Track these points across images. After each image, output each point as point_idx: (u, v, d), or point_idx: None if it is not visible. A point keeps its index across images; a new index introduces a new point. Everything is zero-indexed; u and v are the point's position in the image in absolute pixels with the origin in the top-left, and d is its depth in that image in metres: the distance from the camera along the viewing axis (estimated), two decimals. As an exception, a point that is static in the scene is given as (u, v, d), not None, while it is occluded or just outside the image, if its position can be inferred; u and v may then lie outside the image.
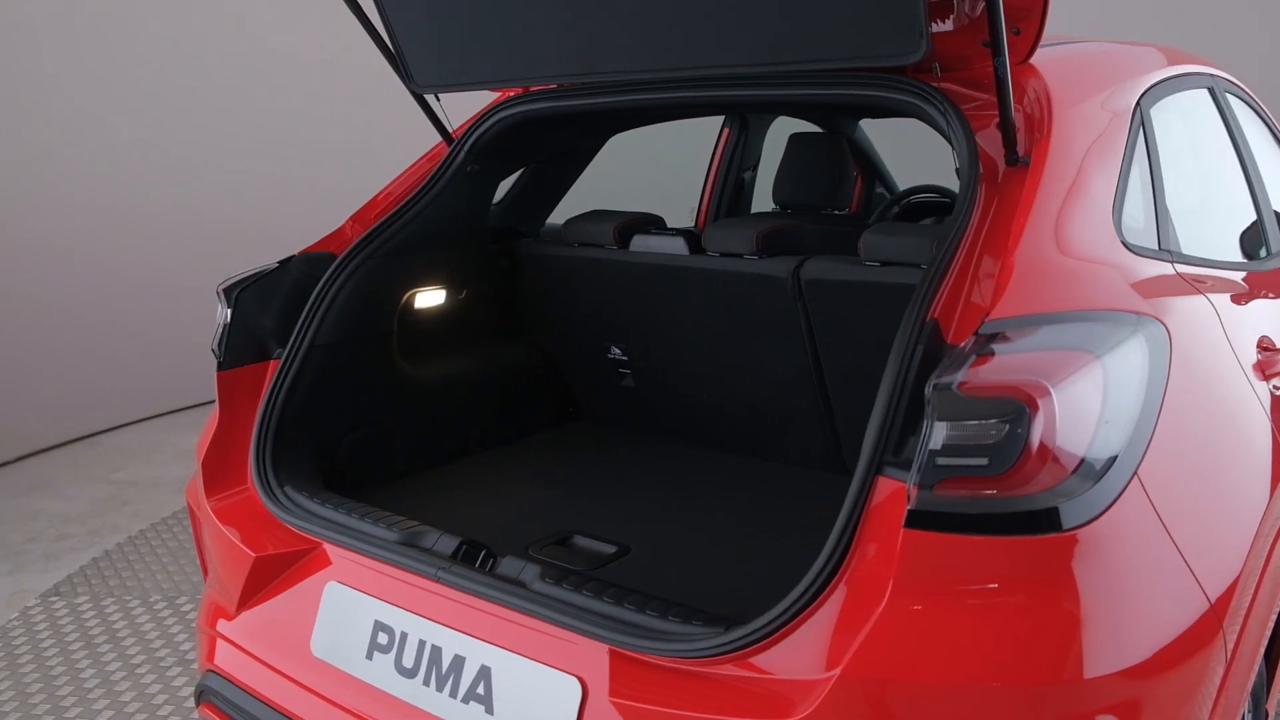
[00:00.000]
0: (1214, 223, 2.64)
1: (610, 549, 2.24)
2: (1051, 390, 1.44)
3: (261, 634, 2.20)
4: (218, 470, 2.40)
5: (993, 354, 1.50)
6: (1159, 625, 1.50)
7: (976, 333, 1.55)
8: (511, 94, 2.69)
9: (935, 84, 1.99)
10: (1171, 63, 2.54)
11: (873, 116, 3.98)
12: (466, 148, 2.67)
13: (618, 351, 2.95)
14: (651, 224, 2.80)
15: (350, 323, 2.53)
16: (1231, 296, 2.25)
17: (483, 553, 2.00)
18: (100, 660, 3.56)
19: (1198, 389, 1.80)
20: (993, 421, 1.43)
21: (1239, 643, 1.68)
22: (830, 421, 2.64)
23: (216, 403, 2.46)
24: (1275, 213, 3.04)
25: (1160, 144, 2.26)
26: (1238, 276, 2.41)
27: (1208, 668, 1.58)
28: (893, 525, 1.53)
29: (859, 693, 1.45)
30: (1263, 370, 2.11)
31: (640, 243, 2.73)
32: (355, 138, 6.76)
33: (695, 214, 4.07)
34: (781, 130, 4.19)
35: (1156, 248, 2.07)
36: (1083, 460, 1.46)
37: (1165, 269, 2.04)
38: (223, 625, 2.30)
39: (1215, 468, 1.80)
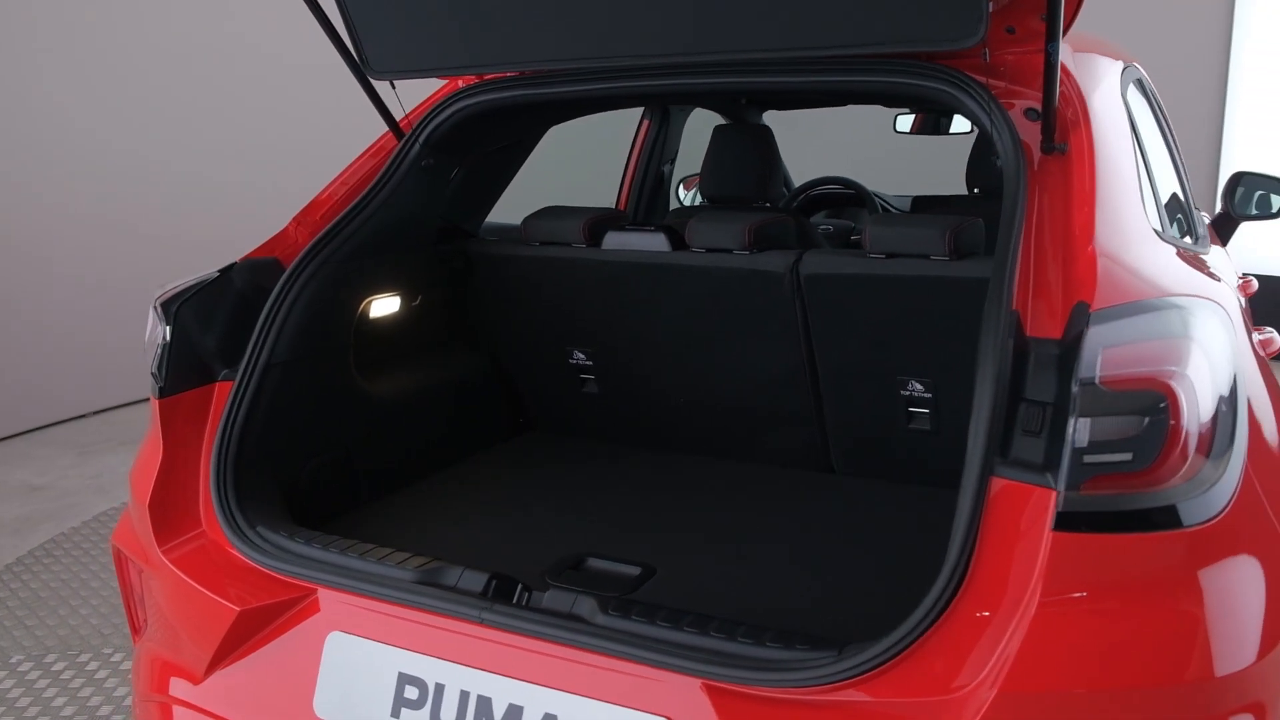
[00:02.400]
0: (1169, 209, 2.73)
1: (633, 570, 2.07)
2: (1184, 378, 1.41)
3: (245, 697, 1.91)
4: (165, 512, 2.08)
5: (1119, 345, 1.44)
6: None
7: (1088, 325, 1.49)
8: (468, 81, 2.48)
9: (970, 72, 1.93)
10: (1119, 52, 2.61)
11: (889, 106, 3.88)
12: (421, 140, 2.43)
13: (581, 356, 2.78)
14: (623, 219, 2.65)
15: (307, 337, 2.26)
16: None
17: (519, 587, 1.80)
18: (-30, 738, 3.08)
19: (1252, 370, 1.82)
20: (1136, 415, 1.38)
21: None
22: (819, 420, 2.56)
23: (157, 434, 2.13)
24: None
25: (1139, 131, 2.30)
26: (1205, 258, 2.50)
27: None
28: (1016, 529, 1.46)
29: (1018, 710, 1.37)
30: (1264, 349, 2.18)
31: (615, 240, 2.57)
32: (292, 133, 6.39)
33: (618, 201, 3.92)
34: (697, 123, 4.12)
35: (1162, 232, 2.10)
36: (1212, 447, 1.43)
37: (1173, 252, 2.07)
38: (184, 690, 1.99)
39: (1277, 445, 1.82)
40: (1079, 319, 1.53)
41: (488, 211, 2.99)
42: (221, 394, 2.20)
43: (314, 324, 2.27)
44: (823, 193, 4.31)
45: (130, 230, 6.27)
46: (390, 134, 2.51)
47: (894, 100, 3.38)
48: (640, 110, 3.93)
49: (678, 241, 2.51)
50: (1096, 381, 1.39)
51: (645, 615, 1.66)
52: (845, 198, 4.45)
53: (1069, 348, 1.50)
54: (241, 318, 2.25)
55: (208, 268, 2.27)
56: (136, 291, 5.99)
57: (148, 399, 2.22)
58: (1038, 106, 1.95)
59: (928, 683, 1.44)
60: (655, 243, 2.52)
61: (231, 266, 2.28)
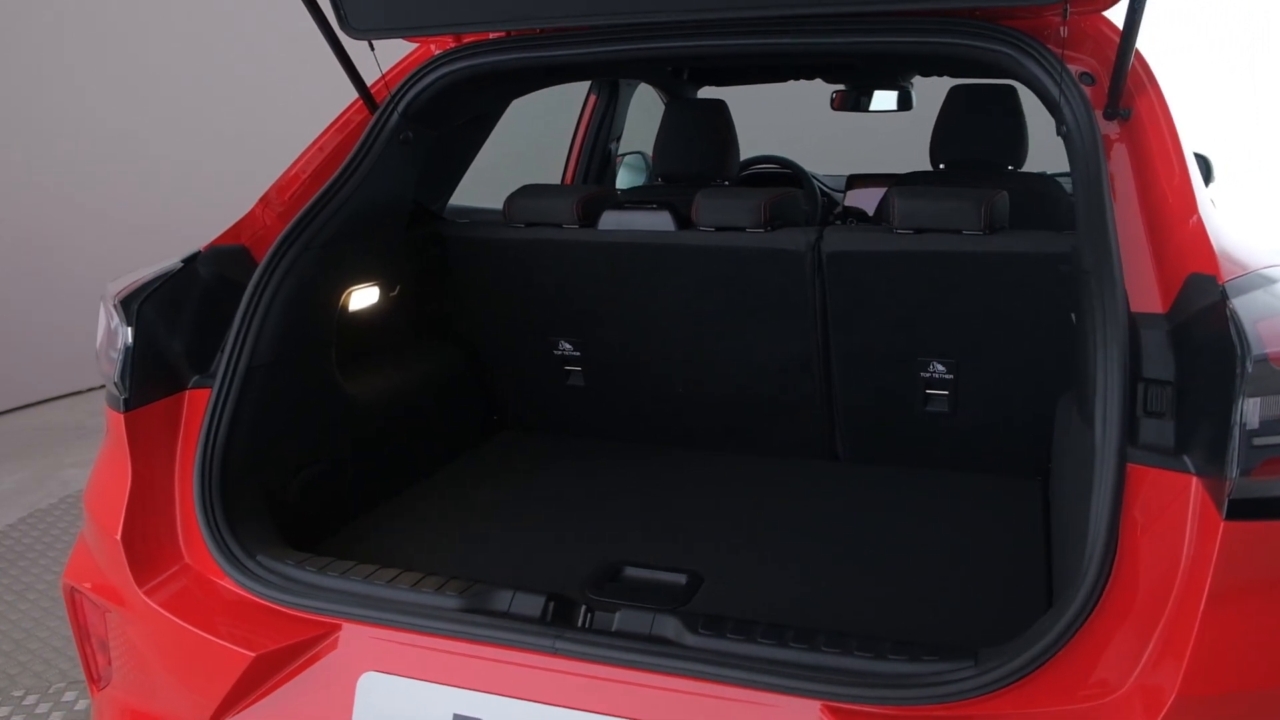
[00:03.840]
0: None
1: (679, 578, 1.90)
2: None
3: (260, 753, 1.66)
4: (141, 544, 1.79)
5: (1271, 319, 1.36)
6: None
7: (1226, 298, 1.40)
8: (442, 45, 2.24)
9: (1033, 36, 1.82)
10: None
11: (926, 73, 3.70)
12: (400, 110, 2.18)
13: (568, 347, 2.57)
14: (618, 197, 2.46)
15: (289, 335, 1.99)
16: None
17: (582, 609, 1.61)
18: None
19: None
20: None
21: None
22: (827, 406, 2.44)
23: (122, 454, 1.83)
24: None
25: None
26: None
27: None
28: (1163, 518, 1.36)
29: (1200, 714, 1.27)
30: None
31: (613, 219, 2.37)
32: (246, 104, 5.88)
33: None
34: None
35: None
36: None
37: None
38: (178, 747, 1.72)
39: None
40: (1201, 292, 1.44)
41: (452, 192, 2.75)
42: (194, 404, 1.92)
43: (296, 320, 2.00)
44: (757, 172, 4.20)
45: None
46: (360, 104, 2.24)
47: (935, 65, 3.21)
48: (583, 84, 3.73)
49: (683, 220, 2.34)
50: (1268, 358, 1.30)
51: (742, 632, 1.50)
52: (781, 177, 4.36)
53: (1202, 323, 1.41)
54: (210, 315, 1.96)
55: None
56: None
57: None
58: (1091, 71, 1.87)
59: (1082, 688, 1.33)
60: (659, 221, 2.34)
61: (195, 256, 1.99)
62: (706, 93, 4.18)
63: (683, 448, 2.62)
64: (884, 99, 4.46)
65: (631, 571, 1.93)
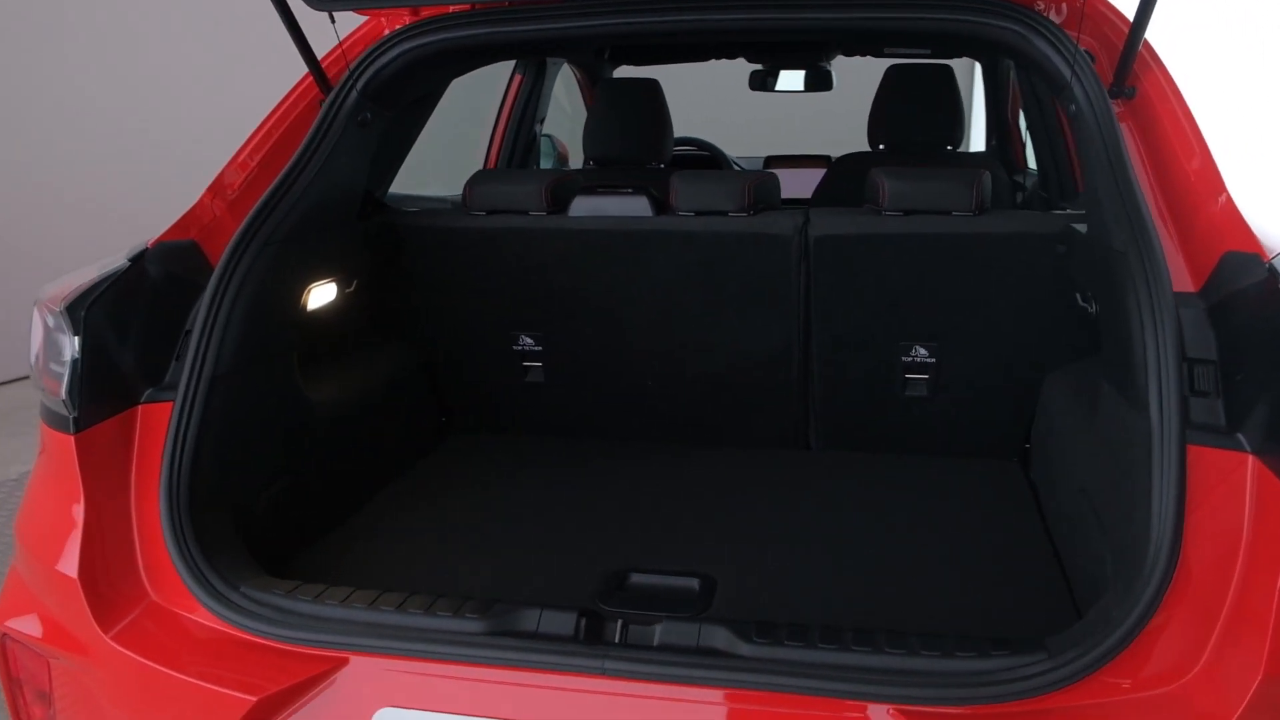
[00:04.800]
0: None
1: (690, 582, 1.81)
2: None
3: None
4: (102, 581, 1.58)
5: None
6: None
7: (1272, 275, 1.39)
8: (399, 19, 2.07)
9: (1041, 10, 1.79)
10: None
11: (933, 49, 3.57)
12: (359, 89, 2.00)
13: (529, 341, 2.44)
14: (590, 181, 2.33)
15: (253, 340, 1.80)
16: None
17: (618, 624, 1.50)
18: None
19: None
20: None
21: None
22: (803, 394, 2.38)
23: (73, 481, 1.62)
24: None
25: None
26: None
27: None
28: (1229, 497, 1.35)
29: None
30: None
31: (586, 205, 2.24)
32: (185, 82, 5.29)
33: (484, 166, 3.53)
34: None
35: None
36: None
37: None
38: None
39: None
40: (1243, 270, 1.43)
41: (393, 177, 2.56)
42: (149, 420, 1.71)
43: (259, 323, 1.81)
44: (681, 154, 4.13)
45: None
46: (310, 81, 2.05)
47: (934, 42, 3.13)
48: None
49: (660, 205, 2.24)
50: None
51: (798, 637, 1.42)
52: (699, 159, 4.30)
53: (1247, 301, 1.40)
54: (161, 319, 1.76)
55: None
56: None
57: None
58: (1090, 50, 1.86)
59: (1154, 674, 1.31)
60: (636, 206, 2.23)
61: (142, 253, 1.77)
62: (624, 72, 4.08)
63: (647, 442, 2.52)
64: (791, 79, 4.45)
65: (639, 578, 1.82)
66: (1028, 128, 3.25)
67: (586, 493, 2.26)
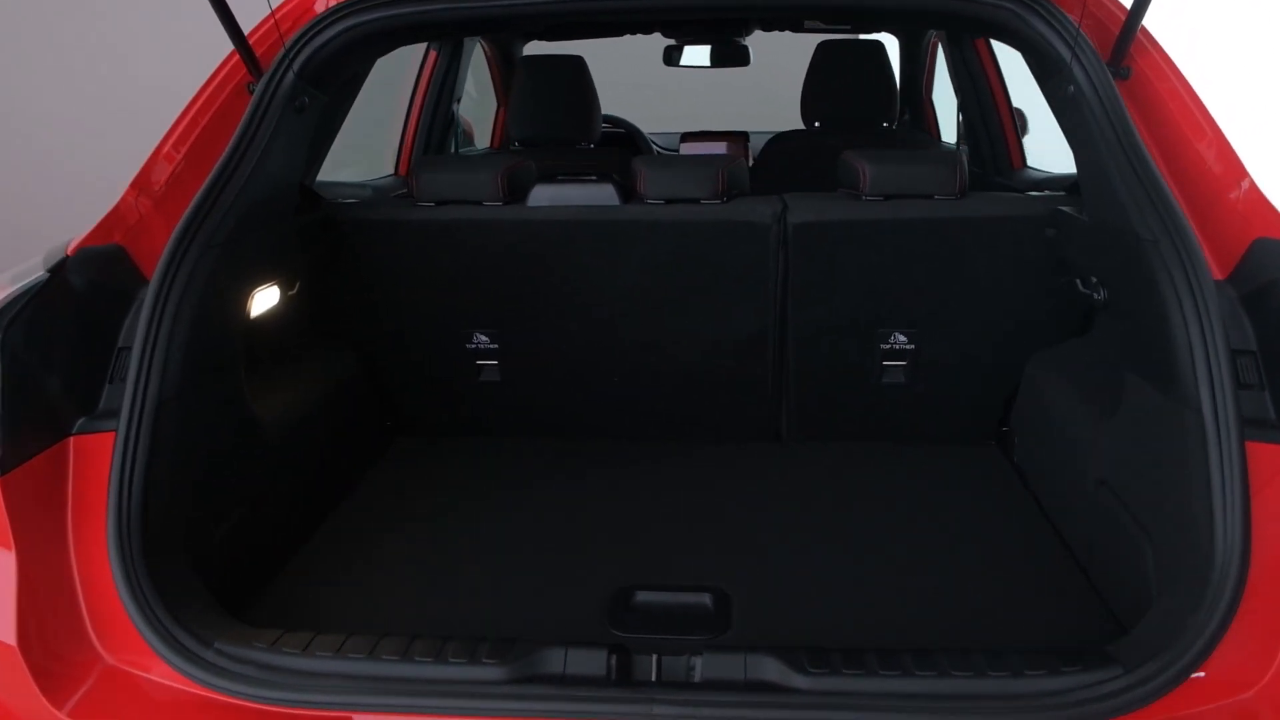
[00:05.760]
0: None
1: (701, 598, 1.69)
2: None
3: None
4: (44, 647, 1.36)
5: None
6: None
7: None
8: None
9: None
10: None
11: (923, 26, 3.43)
12: (295, 71, 1.79)
13: (483, 339, 2.26)
14: (549, 169, 2.17)
15: (198, 356, 1.58)
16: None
17: (653, 659, 1.37)
18: None
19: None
20: None
21: None
22: (776, 386, 2.29)
23: (3, 531, 1.38)
24: None
25: None
26: None
27: None
28: (1268, 492, 1.32)
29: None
30: None
31: (546, 194, 2.08)
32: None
33: (397, 157, 3.30)
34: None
35: None
36: None
37: None
38: None
39: None
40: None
41: (320, 165, 2.34)
42: (85, 455, 1.49)
43: (204, 336, 1.60)
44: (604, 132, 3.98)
45: None
46: (237, 62, 1.82)
47: (928, 20, 3.02)
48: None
49: (627, 192, 2.10)
50: None
51: (855, 664, 1.32)
52: (617, 137, 4.15)
53: None
54: (88, 337, 1.53)
55: None
56: None
57: None
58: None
59: (1238, 680, 1.27)
60: (602, 195, 2.08)
61: (63, 261, 1.53)
62: (537, 49, 3.89)
63: (612, 441, 2.38)
64: (697, 55, 4.35)
65: (646, 597, 1.70)
66: (960, 104, 3.24)
67: (557, 500, 2.11)
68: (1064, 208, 1.95)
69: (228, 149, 1.70)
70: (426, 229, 2.10)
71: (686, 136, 4.37)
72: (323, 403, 2.07)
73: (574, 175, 2.12)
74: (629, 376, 2.30)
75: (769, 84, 4.74)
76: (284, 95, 1.78)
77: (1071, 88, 1.70)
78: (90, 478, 1.47)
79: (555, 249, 2.11)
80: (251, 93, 1.79)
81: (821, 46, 3.15)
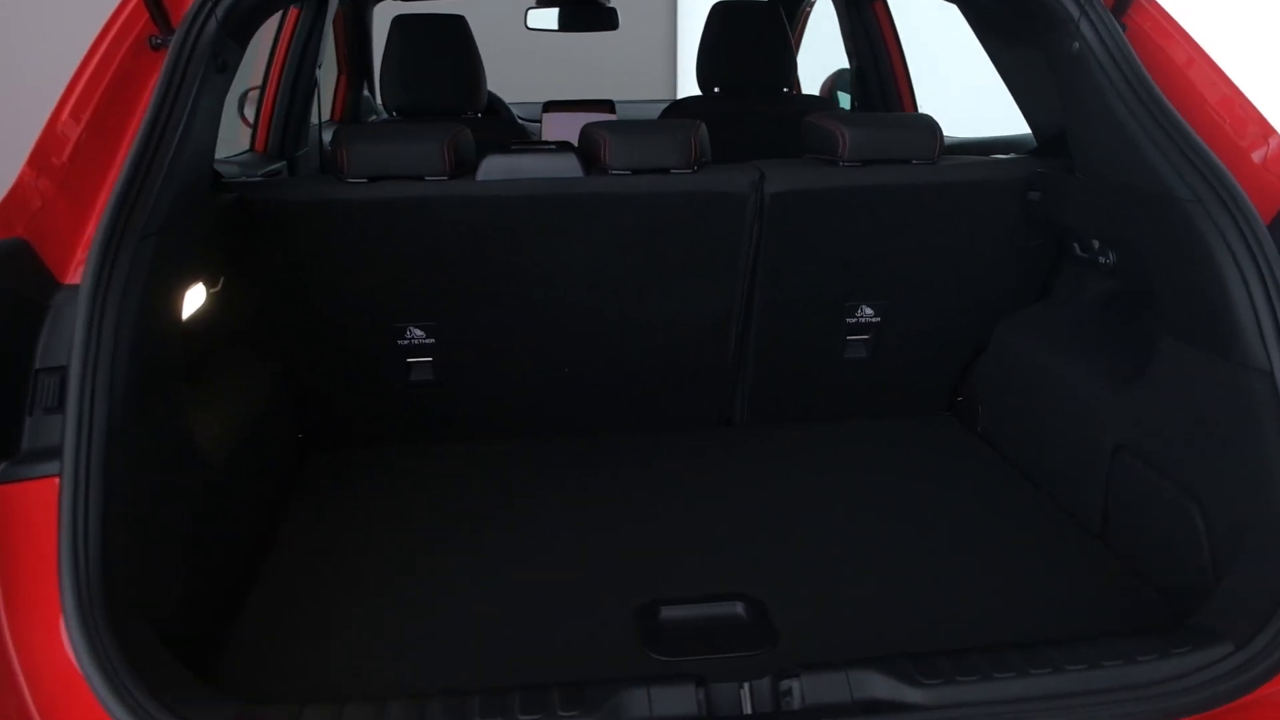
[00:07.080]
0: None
1: (733, 608, 1.55)
2: None
3: None
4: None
5: None
6: None
7: None
8: None
9: None
10: None
11: None
12: (220, 18, 1.49)
13: (418, 334, 2.00)
14: (500, 138, 1.93)
15: (142, 374, 1.28)
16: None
17: (741, 688, 1.22)
18: None
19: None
20: None
21: None
22: (736, 368, 2.15)
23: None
24: None
25: None
26: None
27: None
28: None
29: None
30: None
31: (497, 166, 1.85)
32: None
33: (253, 130, 2.91)
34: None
35: None
36: None
37: None
38: None
39: None
40: None
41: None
42: (10, 508, 1.17)
43: (147, 349, 1.30)
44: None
45: None
46: (134, 9, 1.49)
47: None
48: None
49: (589, 162, 1.90)
50: None
51: (966, 669, 1.22)
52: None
53: None
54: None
55: None
56: None
57: None
58: None
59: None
60: (564, 166, 1.87)
61: (-42, 264, 1.19)
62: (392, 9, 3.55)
63: (559, 437, 2.19)
64: (544, 18, 4.17)
65: (673, 612, 1.54)
66: (857, 65, 3.21)
67: (524, 511, 1.90)
68: (1043, 170, 1.91)
69: (148, 115, 1.39)
70: (359, 209, 1.83)
71: (549, 106, 4.16)
72: (249, 419, 1.76)
73: (531, 145, 1.90)
74: (582, 366, 2.11)
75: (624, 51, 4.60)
76: (205, 50, 1.48)
77: (1076, 44, 1.65)
78: (19, 536, 1.16)
79: (508, 228, 1.89)
80: (154, 47, 1.48)
81: (717, 9, 3.02)
